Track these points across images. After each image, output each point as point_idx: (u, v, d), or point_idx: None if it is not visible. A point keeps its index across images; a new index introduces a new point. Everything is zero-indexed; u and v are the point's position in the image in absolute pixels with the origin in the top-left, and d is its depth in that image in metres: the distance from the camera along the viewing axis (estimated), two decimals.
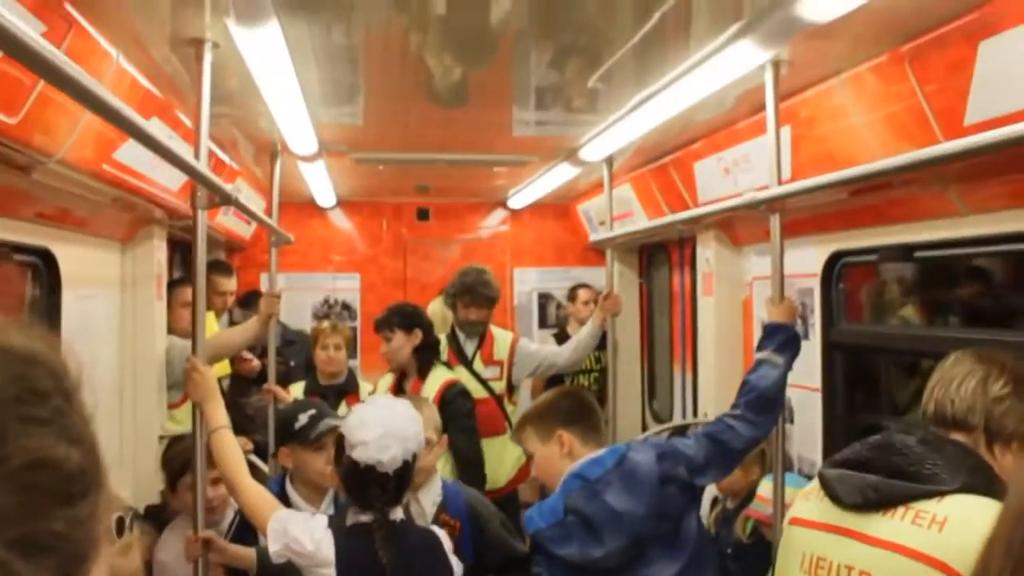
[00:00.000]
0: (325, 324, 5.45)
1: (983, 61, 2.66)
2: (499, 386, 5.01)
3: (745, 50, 3.06)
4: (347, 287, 8.16)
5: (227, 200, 3.28)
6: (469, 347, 5.09)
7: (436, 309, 6.06)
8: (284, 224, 5.39)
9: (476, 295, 5.08)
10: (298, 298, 7.93)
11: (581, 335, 5.23)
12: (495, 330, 5.24)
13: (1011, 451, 2.00)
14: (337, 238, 8.19)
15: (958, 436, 2.02)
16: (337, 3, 2.77)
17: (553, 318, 7.89)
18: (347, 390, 5.16)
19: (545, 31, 3.08)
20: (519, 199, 7.44)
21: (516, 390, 5.17)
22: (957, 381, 2.08)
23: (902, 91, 3.05)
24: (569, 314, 7.07)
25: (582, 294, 6.92)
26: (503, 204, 7.98)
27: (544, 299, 7.97)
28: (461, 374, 4.94)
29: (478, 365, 5.04)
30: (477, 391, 4.90)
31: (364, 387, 5.26)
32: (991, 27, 2.57)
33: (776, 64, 3.21)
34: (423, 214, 8.14)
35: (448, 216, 8.18)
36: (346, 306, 8.15)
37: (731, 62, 3.19)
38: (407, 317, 4.81)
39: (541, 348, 5.34)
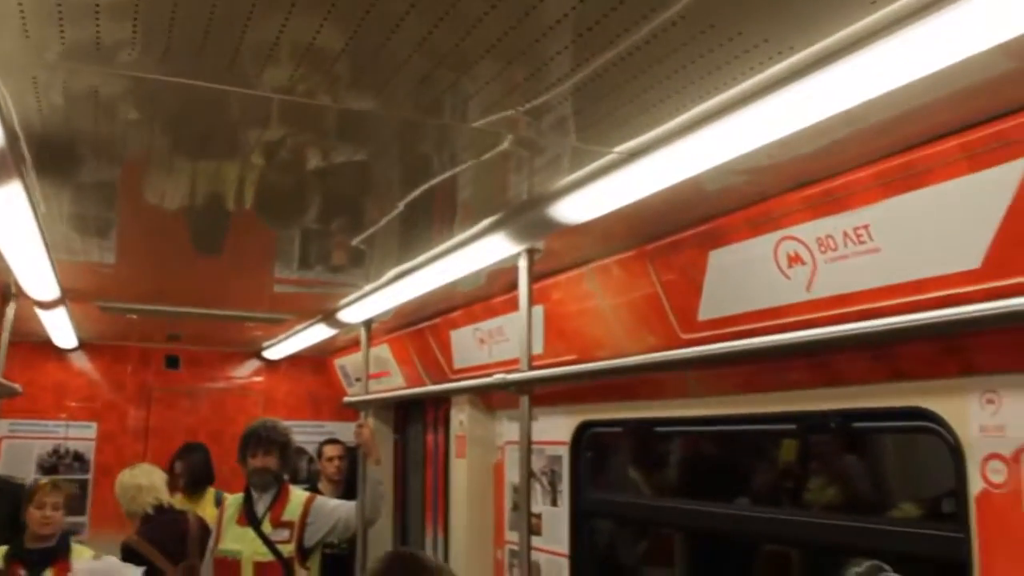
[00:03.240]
0: (44, 480, 4.96)
1: (713, 266, 2.96)
2: (287, 549, 4.72)
3: (502, 238, 3.24)
4: (81, 436, 7.55)
5: None
6: (260, 506, 4.78)
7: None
8: (15, 366, 4.98)
9: (262, 439, 4.81)
10: (23, 446, 7.27)
11: (367, 484, 5.05)
12: (293, 490, 4.97)
13: None
14: (75, 383, 7.63)
15: None
16: (88, 159, 2.67)
17: (304, 473, 7.64)
18: (56, 555, 4.66)
19: (310, 194, 3.09)
20: (275, 351, 7.30)
21: (311, 555, 4.86)
22: None
23: (644, 284, 3.31)
24: (319, 470, 6.86)
25: (328, 450, 6.70)
26: (258, 355, 7.80)
27: (296, 454, 7.72)
28: (247, 535, 4.65)
29: (267, 526, 4.72)
30: (263, 555, 4.61)
31: (80, 550, 4.77)
32: (719, 239, 2.87)
33: (531, 252, 3.40)
34: (172, 361, 7.78)
35: (199, 364, 7.86)
36: (78, 456, 7.52)
37: (489, 247, 3.35)
38: None
39: (340, 505, 5.02)
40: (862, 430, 3.14)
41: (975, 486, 2.50)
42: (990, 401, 2.45)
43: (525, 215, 3.02)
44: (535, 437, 3.68)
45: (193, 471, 6.24)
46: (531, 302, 3.50)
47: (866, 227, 2.37)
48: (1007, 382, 2.41)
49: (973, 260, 2.14)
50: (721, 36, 1.72)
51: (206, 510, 5.93)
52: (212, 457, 6.49)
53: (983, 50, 1.59)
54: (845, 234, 2.43)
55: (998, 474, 2.44)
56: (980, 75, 1.77)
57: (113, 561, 4.40)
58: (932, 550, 2.74)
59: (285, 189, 2.98)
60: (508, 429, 5.27)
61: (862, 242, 2.39)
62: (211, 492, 6.32)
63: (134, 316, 5.75)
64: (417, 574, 2.71)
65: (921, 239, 2.25)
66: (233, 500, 4.89)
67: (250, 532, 4.66)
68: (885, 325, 2.01)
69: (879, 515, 3.43)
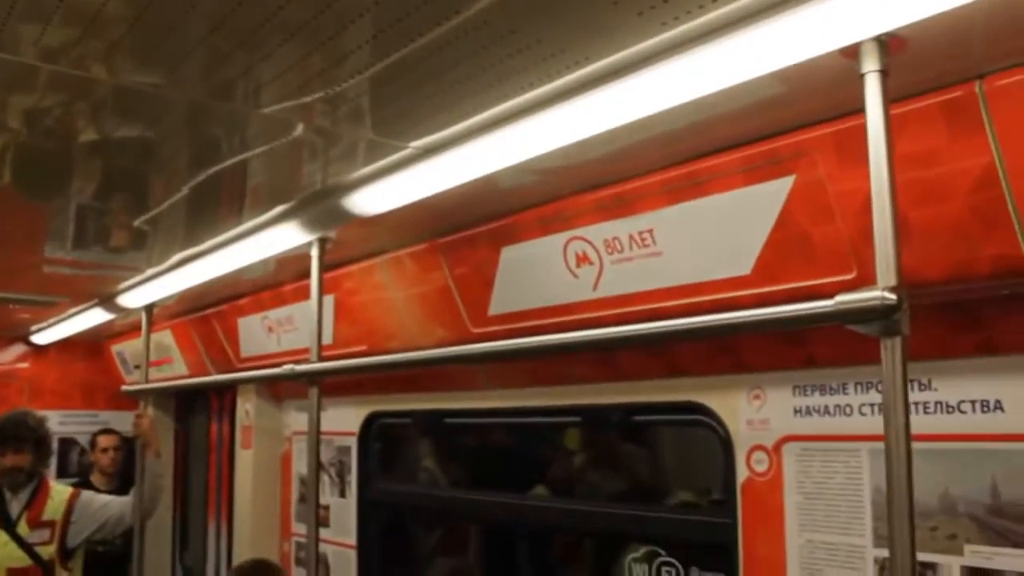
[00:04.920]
0: None
1: (505, 262, 3.01)
2: (47, 551, 4.37)
3: (294, 227, 3.16)
4: None
5: None
6: (15, 506, 4.39)
7: None
8: None
9: (9, 436, 4.41)
10: None
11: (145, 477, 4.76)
12: (54, 486, 4.60)
13: None
14: None
15: None
16: None
17: (76, 466, 7.17)
18: None
19: (83, 169, 2.84)
20: (45, 336, 6.80)
21: (74, 555, 4.53)
22: None
23: (436, 278, 3.32)
24: (92, 462, 6.47)
25: (101, 440, 6.33)
26: (24, 339, 7.23)
27: (66, 445, 7.22)
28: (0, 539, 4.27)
29: (23, 528, 4.35)
30: (18, 560, 4.25)
31: None
32: (512, 236, 2.92)
33: (322, 241, 3.33)
34: None
35: None
36: None
37: (281, 235, 3.26)
38: None
39: (110, 503, 4.68)
40: (642, 423, 3.28)
41: (741, 475, 2.68)
42: (756, 397, 2.64)
43: (318, 204, 2.96)
44: (323, 427, 3.62)
45: None
46: (322, 292, 3.44)
47: (650, 231, 2.47)
48: (771, 379, 2.60)
49: (744, 267, 2.28)
50: (520, 43, 1.74)
51: None
52: None
53: (760, 75, 1.69)
54: (631, 237, 2.53)
55: (761, 464, 2.62)
56: (757, 96, 1.88)
57: None
58: (703, 535, 2.92)
59: (52, 162, 2.73)
60: (296, 419, 5.17)
61: (646, 245, 2.50)
62: None
63: None
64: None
65: (699, 245, 2.38)
66: None
67: (2, 536, 4.31)
68: (664, 327, 2.10)
69: (658, 503, 3.61)
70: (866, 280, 1.69)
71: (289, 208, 3.09)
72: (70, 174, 2.89)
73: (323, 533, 4.43)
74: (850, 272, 2.08)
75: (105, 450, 6.29)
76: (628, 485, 3.75)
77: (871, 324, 1.58)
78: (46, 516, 4.41)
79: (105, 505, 4.66)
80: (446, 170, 2.43)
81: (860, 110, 1.63)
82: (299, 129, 2.33)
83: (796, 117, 2.02)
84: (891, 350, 1.55)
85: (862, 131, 1.62)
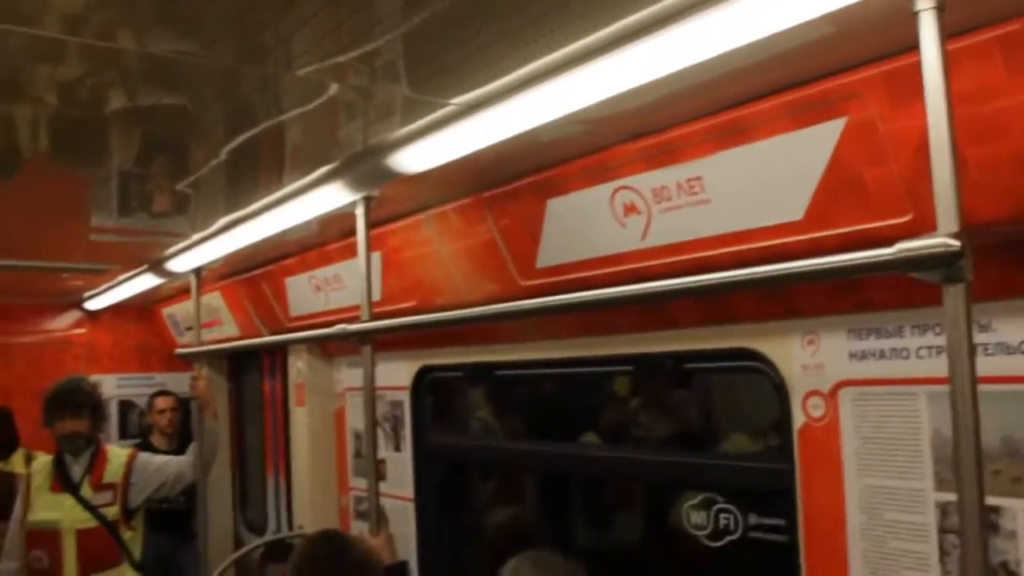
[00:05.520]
0: None
1: (551, 214, 2.99)
2: (112, 512, 4.50)
3: (339, 187, 3.16)
4: None
5: None
6: (77, 470, 4.52)
7: None
8: None
9: (67, 403, 4.53)
10: None
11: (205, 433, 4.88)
12: (111, 449, 4.72)
13: None
14: None
15: None
16: None
17: (136, 427, 7.34)
18: None
19: (120, 138, 2.86)
20: (97, 301, 6.91)
21: (136, 514, 4.67)
22: None
23: (482, 231, 3.31)
24: (151, 423, 6.62)
25: (159, 402, 6.48)
26: (78, 306, 7.36)
27: (126, 407, 7.39)
28: (64, 503, 4.40)
29: (86, 491, 4.48)
30: (85, 520, 4.39)
31: None
32: (557, 187, 2.90)
33: (367, 199, 3.32)
34: None
35: (9, 318, 7.27)
36: None
37: (326, 195, 3.27)
38: None
39: (168, 463, 4.79)
40: (694, 370, 3.26)
41: (798, 420, 2.65)
42: (810, 342, 2.60)
43: (362, 164, 2.95)
44: (376, 383, 3.65)
45: None
46: (369, 250, 3.44)
47: (699, 179, 2.43)
48: (825, 324, 2.56)
49: (796, 212, 2.24)
50: None
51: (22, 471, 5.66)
52: (28, 417, 6.10)
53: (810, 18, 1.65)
54: (679, 185, 2.49)
55: (817, 409, 2.60)
56: (805, 38, 1.83)
57: None
58: (760, 482, 2.92)
59: (91, 132, 2.74)
60: (348, 375, 5.23)
61: (694, 193, 2.46)
62: (20, 452, 6.02)
63: None
64: (342, 553, 2.67)
65: (749, 192, 2.34)
66: (40, 466, 4.57)
67: (68, 499, 4.41)
68: (719, 279, 2.06)
69: (711, 449, 3.60)
70: (923, 223, 1.66)
71: (332, 169, 3.09)
72: (109, 143, 2.90)
73: (381, 486, 4.50)
74: (906, 215, 2.03)
75: (162, 411, 6.44)
76: (679, 431, 3.74)
77: (934, 271, 1.54)
78: (107, 479, 4.52)
79: (163, 465, 4.76)
80: (488, 125, 2.41)
81: (912, 48, 1.58)
82: (334, 89, 2.31)
83: (845, 58, 1.97)
84: (954, 296, 1.52)
85: (914, 69, 1.57)
